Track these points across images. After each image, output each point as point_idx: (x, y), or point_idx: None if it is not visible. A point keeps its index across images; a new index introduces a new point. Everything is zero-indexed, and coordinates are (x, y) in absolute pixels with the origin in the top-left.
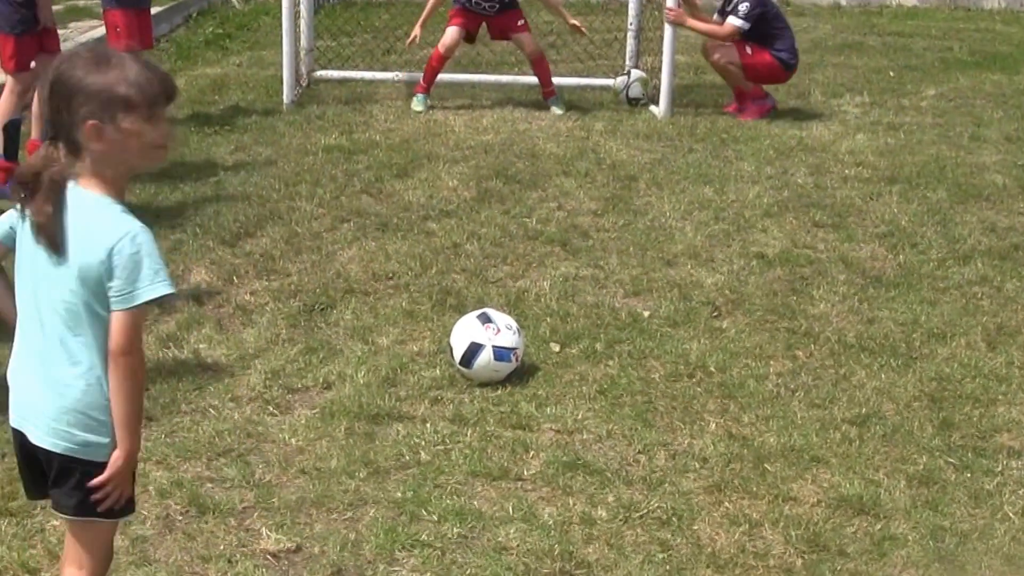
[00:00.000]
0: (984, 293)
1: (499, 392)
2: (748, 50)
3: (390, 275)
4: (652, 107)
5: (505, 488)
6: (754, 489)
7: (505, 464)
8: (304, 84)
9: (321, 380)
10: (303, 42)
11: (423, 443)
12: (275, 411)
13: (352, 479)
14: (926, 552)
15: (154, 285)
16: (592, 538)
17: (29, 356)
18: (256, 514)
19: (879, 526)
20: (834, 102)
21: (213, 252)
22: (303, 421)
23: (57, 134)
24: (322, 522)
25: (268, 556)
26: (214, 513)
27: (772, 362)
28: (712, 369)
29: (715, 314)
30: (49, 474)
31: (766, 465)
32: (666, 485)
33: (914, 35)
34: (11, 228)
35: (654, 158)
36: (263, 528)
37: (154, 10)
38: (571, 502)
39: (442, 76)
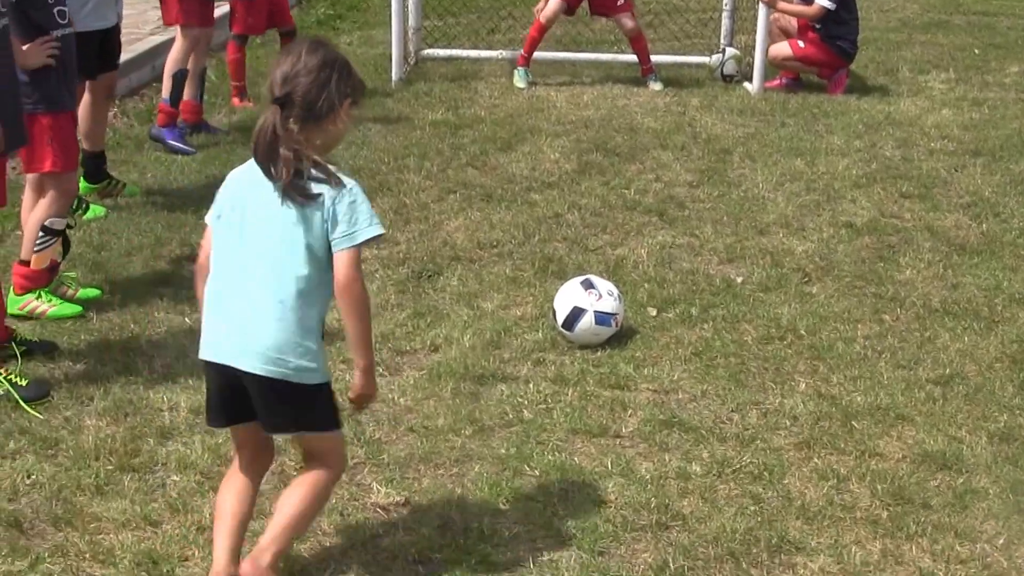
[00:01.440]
0: None
1: (599, 354)
2: (801, 44)
3: (494, 243)
4: (746, 84)
5: (604, 445)
6: (842, 445)
7: (604, 422)
8: (412, 62)
9: (429, 343)
10: (411, 21)
11: (526, 402)
12: (385, 372)
13: (458, 436)
14: (1006, 505)
15: (371, 227)
16: (687, 492)
17: (237, 299)
18: (367, 470)
19: (961, 480)
20: (921, 78)
21: None
22: (411, 382)
23: (296, 103)
24: (429, 477)
25: (379, 509)
26: None
27: (860, 325)
28: (802, 332)
29: (805, 280)
30: (264, 399)
31: (853, 423)
32: (758, 442)
33: (999, 14)
34: (219, 216)
35: (747, 132)
36: (373, 483)
37: None
38: (667, 458)
39: (544, 54)
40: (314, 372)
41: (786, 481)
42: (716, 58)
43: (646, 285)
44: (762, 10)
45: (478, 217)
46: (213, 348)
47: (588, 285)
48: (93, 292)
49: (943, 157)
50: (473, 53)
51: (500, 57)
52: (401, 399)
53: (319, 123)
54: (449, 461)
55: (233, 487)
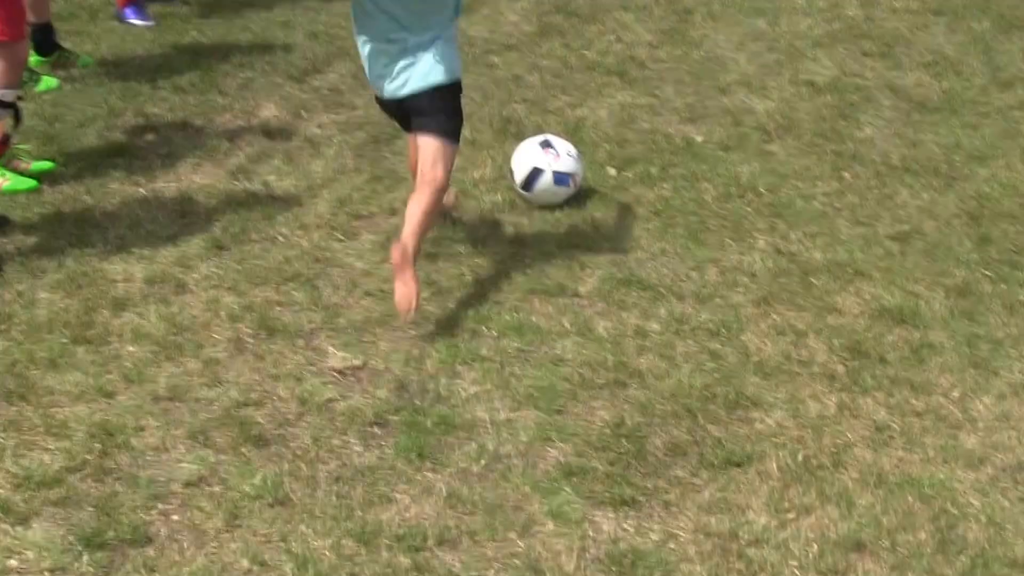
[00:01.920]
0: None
1: (557, 214)
2: None
3: None
4: None
5: (562, 304)
6: (800, 302)
7: (562, 281)
8: None
9: (386, 206)
10: None
11: (484, 263)
12: (342, 237)
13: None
14: (961, 358)
15: None
16: (644, 349)
17: (396, 48)
18: (323, 335)
19: (918, 335)
20: None
21: (282, 88)
22: (368, 246)
23: None
24: (386, 340)
25: (335, 373)
26: (283, 335)
27: (819, 183)
28: (762, 190)
29: (766, 139)
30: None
31: (812, 279)
32: (716, 299)
33: None
34: None
35: None
36: (330, 347)
37: None
38: (625, 316)
39: None
40: None
41: (744, 337)
42: None
43: (606, 145)
44: None
45: None
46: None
47: (546, 145)
48: (47, 165)
49: (906, 16)
50: None
51: None
52: (358, 263)
53: None
54: (406, 324)
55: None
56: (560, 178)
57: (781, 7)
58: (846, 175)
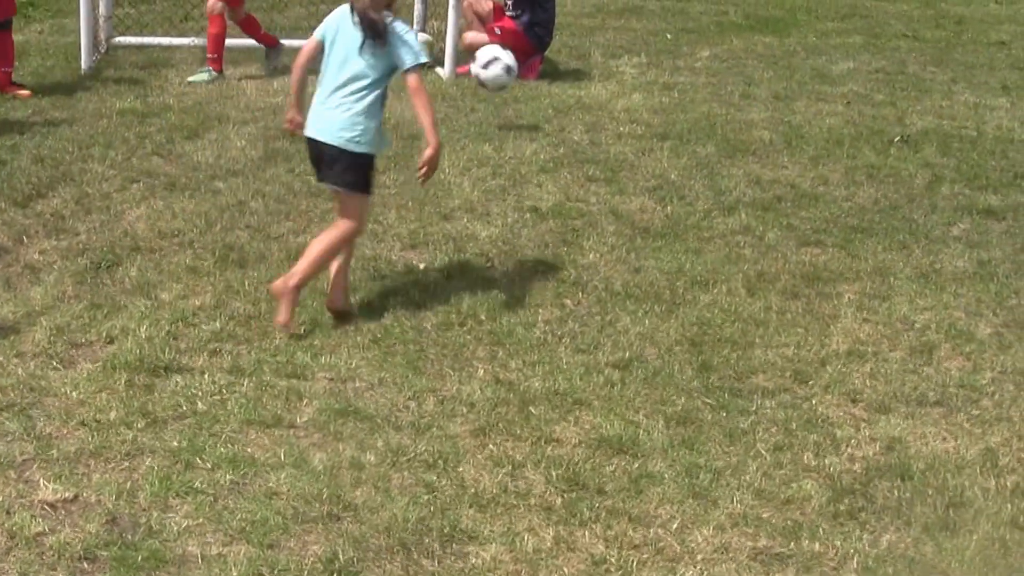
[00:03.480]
0: (746, 242)
1: (276, 342)
2: (497, 31)
3: (176, 232)
4: (438, 69)
5: (278, 435)
6: (518, 432)
7: (279, 412)
8: (103, 50)
9: (104, 335)
10: (102, 9)
11: (200, 393)
12: (59, 366)
13: (130, 429)
14: (681, 488)
15: (422, 56)
16: (360, 481)
17: (328, 99)
18: (35, 466)
19: (637, 465)
20: (613, 63)
21: (5, 213)
22: (85, 375)
23: None
24: (99, 472)
25: (45, 506)
26: None
27: (541, 310)
28: (482, 317)
29: (488, 265)
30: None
31: (531, 408)
32: (434, 429)
33: (692, 0)
34: (323, 36)
35: (437, 118)
36: (41, 479)
37: None
38: (341, 447)
39: (237, 42)
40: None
41: (461, 469)
42: None
43: (327, 272)
44: None
45: (160, 206)
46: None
47: (503, 48)
48: None
49: (631, 141)
50: (165, 40)
51: (192, 44)
52: (74, 392)
53: None
54: (120, 455)
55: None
56: (510, 69)
57: (507, 132)
58: (568, 302)
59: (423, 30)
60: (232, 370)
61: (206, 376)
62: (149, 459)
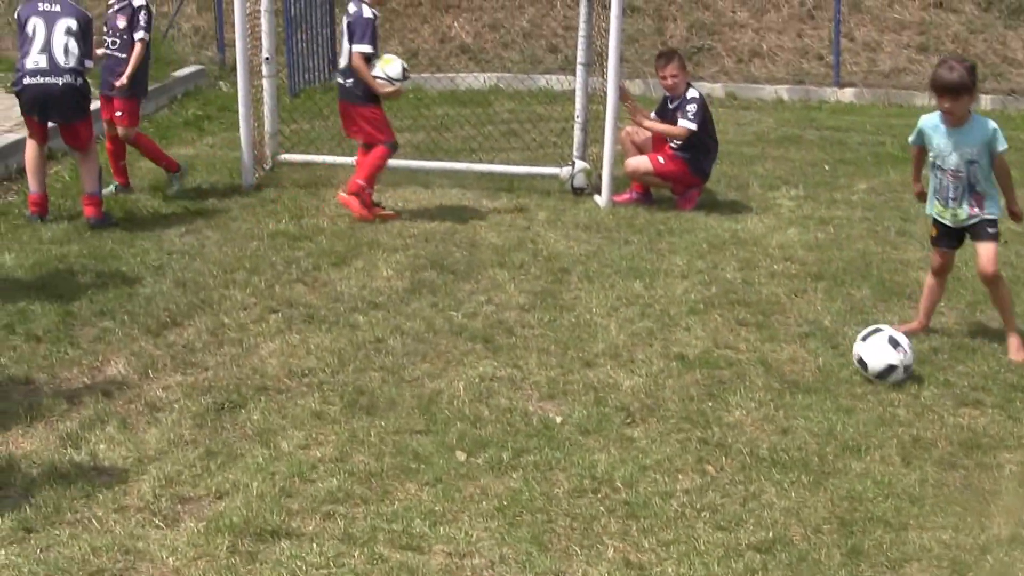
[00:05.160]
0: (901, 400)
1: (395, 507)
2: (661, 159)
3: (306, 372)
4: (595, 196)
5: None
6: None
7: None
8: (268, 167)
9: (215, 489)
10: (267, 126)
11: (305, 567)
12: (161, 524)
13: None
14: None
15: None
16: None
17: None
18: None
19: None
20: (770, 195)
21: (136, 342)
22: (186, 537)
23: None
24: None
25: None
26: None
27: (681, 476)
28: (618, 484)
29: (628, 421)
30: None
31: None
32: None
33: (850, 130)
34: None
35: (590, 250)
36: None
37: None
38: None
39: (397, 162)
40: None
41: None
42: (566, 171)
43: (459, 424)
44: (609, 123)
45: (296, 340)
46: None
47: (895, 344)
48: None
49: (784, 280)
50: (329, 159)
51: (355, 163)
52: (170, 558)
53: None
54: None
55: None
56: (909, 372)
57: (659, 268)
58: (710, 467)
59: (582, 158)
60: (344, 538)
61: (314, 545)
62: None
